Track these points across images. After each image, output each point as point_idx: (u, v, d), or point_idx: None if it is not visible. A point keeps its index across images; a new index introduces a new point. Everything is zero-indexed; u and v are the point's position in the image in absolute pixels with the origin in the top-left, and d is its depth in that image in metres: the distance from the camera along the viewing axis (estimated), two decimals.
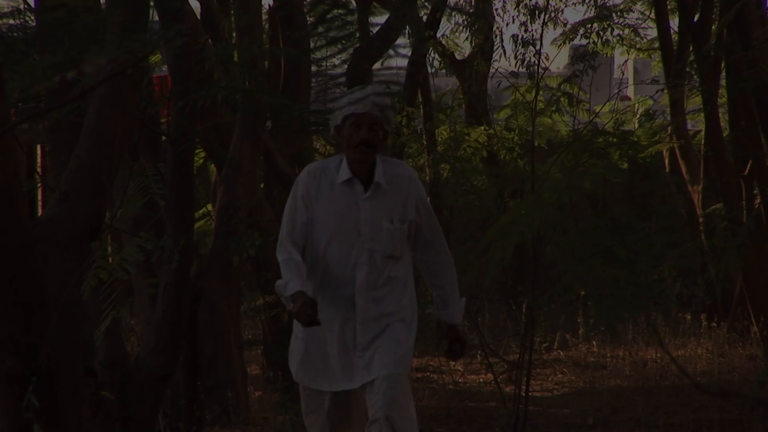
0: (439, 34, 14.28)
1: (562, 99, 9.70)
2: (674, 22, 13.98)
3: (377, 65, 10.34)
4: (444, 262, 4.94)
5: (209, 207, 11.90)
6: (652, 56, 17.26)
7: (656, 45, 15.18)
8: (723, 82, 11.64)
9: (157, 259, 7.06)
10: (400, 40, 12.22)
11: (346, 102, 4.79)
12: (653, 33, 16.10)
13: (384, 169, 4.79)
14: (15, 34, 5.52)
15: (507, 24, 13.72)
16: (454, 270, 4.96)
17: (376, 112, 4.73)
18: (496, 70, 12.71)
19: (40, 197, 10.77)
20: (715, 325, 11.81)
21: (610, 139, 9.38)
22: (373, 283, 4.73)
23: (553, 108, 9.78)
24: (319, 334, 4.70)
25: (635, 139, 12.27)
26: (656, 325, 11.99)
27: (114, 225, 6.12)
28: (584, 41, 14.73)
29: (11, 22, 5.62)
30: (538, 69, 9.35)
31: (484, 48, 14.51)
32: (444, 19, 14.45)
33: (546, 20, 10.90)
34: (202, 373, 7.48)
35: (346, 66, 12.06)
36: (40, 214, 8.87)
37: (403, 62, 13.35)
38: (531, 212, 6.82)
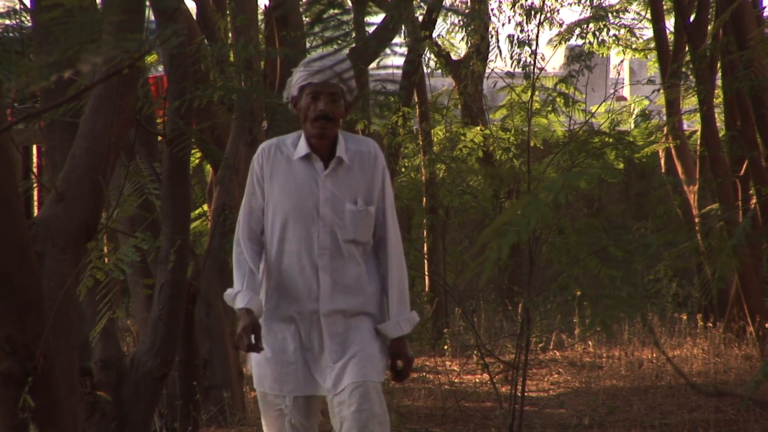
0: (434, 35, 14.28)
1: (557, 99, 9.70)
2: (670, 23, 13.99)
3: (373, 65, 10.34)
4: (393, 264, 4.37)
5: (205, 207, 11.91)
6: (648, 56, 17.29)
7: (652, 45, 15.20)
8: (719, 82, 11.66)
9: (153, 259, 7.06)
10: (397, 40, 12.21)
11: (302, 71, 4.31)
12: (649, 33, 16.16)
13: (346, 146, 4.35)
14: (11, 35, 5.52)
15: (503, 24, 13.78)
16: (406, 275, 4.40)
17: (336, 82, 4.28)
18: (492, 70, 12.72)
19: (36, 197, 10.77)
20: (710, 325, 11.83)
21: (606, 139, 9.40)
22: (337, 271, 4.28)
23: (549, 108, 9.79)
24: (279, 333, 4.31)
25: (631, 140, 12.32)
26: (652, 326, 12.01)
27: (110, 225, 6.11)
28: (580, 41, 14.77)
29: (7, 22, 5.61)
30: (533, 69, 9.35)
31: (480, 48, 14.53)
32: (440, 20, 14.46)
33: (542, 20, 10.90)
34: (198, 374, 7.48)
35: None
36: (36, 214, 8.87)
37: (399, 61, 13.35)
38: (527, 212, 6.82)
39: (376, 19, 13.29)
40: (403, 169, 15.04)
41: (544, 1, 11.97)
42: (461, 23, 14.85)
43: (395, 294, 4.35)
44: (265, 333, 4.29)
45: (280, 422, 4.34)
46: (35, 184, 9.22)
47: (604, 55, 16.77)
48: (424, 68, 14.12)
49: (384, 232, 4.40)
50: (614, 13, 15.52)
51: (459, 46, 17.63)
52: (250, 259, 4.32)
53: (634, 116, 17.94)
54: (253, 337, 4.16)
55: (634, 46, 16.79)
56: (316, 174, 4.31)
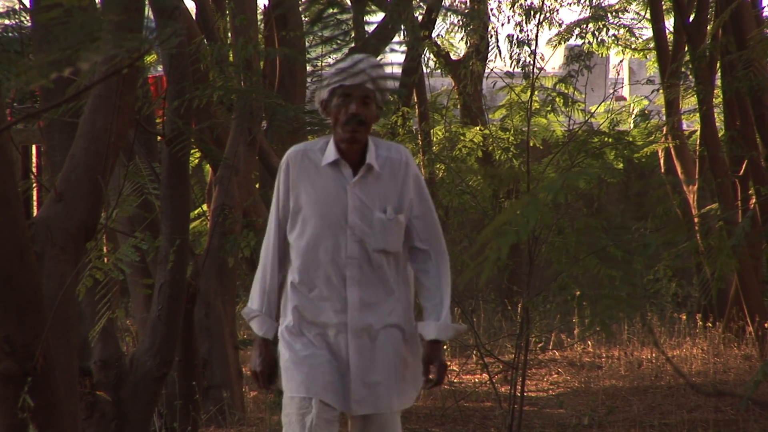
0: (434, 34, 14.29)
1: (557, 99, 9.70)
2: (670, 22, 13.99)
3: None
4: (441, 273, 4.26)
5: (204, 207, 11.91)
6: (648, 56, 17.29)
7: (651, 45, 15.20)
8: (718, 82, 11.66)
9: (152, 259, 7.06)
10: (396, 39, 12.21)
11: (334, 73, 4.16)
12: (648, 33, 16.15)
13: (377, 152, 4.20)
14: (10, 34, 5.52)
15: (502, 24, 13.80)
16: (450, 281, 4.26)
17: (369, 85, 4.14)
18: (492, 70, 12.73)
19: (35, 197, 10.77)
20: (710, 325, 11.83)
21: (606, 139, 9.40)
22: (366, 283, 4.16)
23: (549, 108, 9.79)
24: (307, 337, 4.18)
25: (630, 140, 12.32)
26: (651, 325, 12.01)
27: (109, 225, 6.11)
28: (579, 41, 14.78)
29: (6, 22, 5.61)
30: (533, 69, 9.35)
31: (480, 48, 14.53)
32: (439, 19, 14.47)
33: (541, 20, 10.90)
34: (198, 374, 7.48)
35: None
36: (35, 214, 8.86)
37: (399, 60, 13.35)
38: (526, 212, 6.81)
39: (376, 18, 13.30)
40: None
41: (543, 1, 11.97)
42: (461, 23, 14.85)
43: (440, 299, 4.21)
44: (292, 339, 4.18)
45: (303, 429, 4.11)
46: (35, 184, 9.22)
47: (604, 55, 16.77)
48: (424, 68, 14.14)
49: (428, 240, 4.27)
50: (614, 13, 15.53)
51: (458, 46, 17.63)
52: (272, 276, 4.24)
53: (633, 116, 17.95)
54: (267, 374, 4.22)
55: (633, 46, 16.80)
56: (344, 181, 4.16)
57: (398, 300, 4.24)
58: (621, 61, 25.12)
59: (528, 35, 12.84)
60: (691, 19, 11.66)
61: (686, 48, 12.05)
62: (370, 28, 11.89)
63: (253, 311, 4.24)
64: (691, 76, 11.96)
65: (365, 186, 4.18)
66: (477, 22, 13.88)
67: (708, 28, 11.37)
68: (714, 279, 11.27)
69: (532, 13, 11.48)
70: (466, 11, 14.50)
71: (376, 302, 4.19)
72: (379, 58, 10.30)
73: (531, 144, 9.29)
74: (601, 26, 14.90)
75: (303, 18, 9.39)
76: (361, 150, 4.18)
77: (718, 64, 11.35)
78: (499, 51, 13.90)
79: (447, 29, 16.40)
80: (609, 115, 11.18)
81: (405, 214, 4.21)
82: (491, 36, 14.40)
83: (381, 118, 4.44)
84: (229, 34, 9.32)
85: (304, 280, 4.18)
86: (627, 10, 16.19)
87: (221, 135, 8.93)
